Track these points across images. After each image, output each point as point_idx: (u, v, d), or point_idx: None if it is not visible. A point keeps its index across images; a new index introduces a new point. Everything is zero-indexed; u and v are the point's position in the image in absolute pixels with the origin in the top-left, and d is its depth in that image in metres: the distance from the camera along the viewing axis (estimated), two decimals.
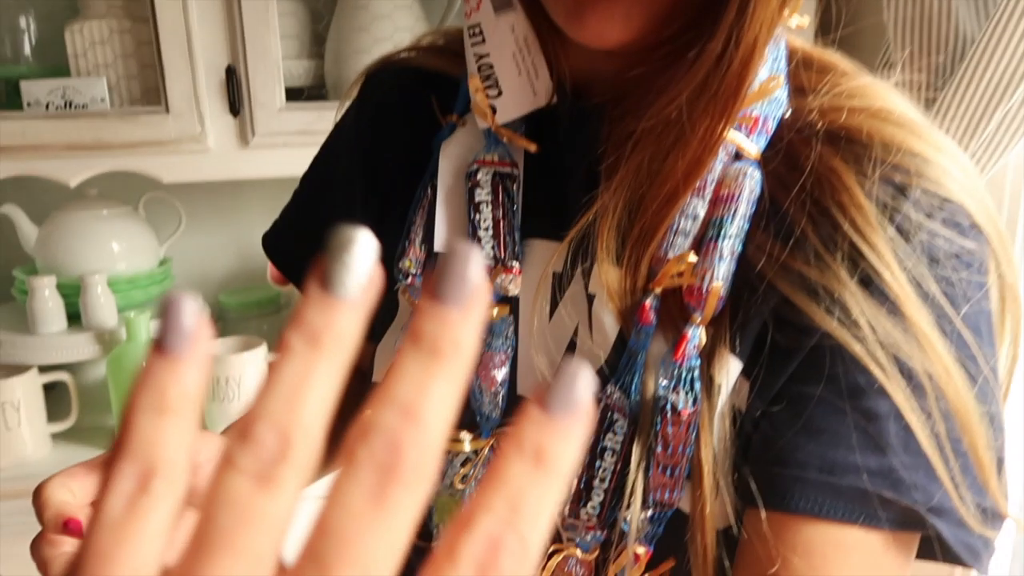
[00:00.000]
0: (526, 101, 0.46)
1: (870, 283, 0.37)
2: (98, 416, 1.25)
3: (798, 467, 0.37)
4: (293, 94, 1.20)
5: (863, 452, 0.36)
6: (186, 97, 1.14)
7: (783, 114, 0.42)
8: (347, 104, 0.59)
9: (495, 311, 0.47)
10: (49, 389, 1.17)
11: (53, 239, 1.25)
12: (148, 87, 1.21)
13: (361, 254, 0.16)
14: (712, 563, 0.39)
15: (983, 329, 0.38)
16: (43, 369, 1.16)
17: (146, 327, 1.16)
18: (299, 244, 0.63)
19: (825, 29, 0.50)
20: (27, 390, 1.13)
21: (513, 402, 0.48)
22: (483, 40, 0.46)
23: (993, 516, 0.37)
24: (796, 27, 0.44)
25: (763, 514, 0.38)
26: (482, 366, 0.47)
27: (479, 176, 0.46)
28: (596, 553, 0.43)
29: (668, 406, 0.40)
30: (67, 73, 1.18)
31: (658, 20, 0.38)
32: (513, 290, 0.46)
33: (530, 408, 0.16)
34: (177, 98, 1.14)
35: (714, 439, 0.39)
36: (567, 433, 0.15)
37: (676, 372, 0.40)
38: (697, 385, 0.40)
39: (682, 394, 0.40)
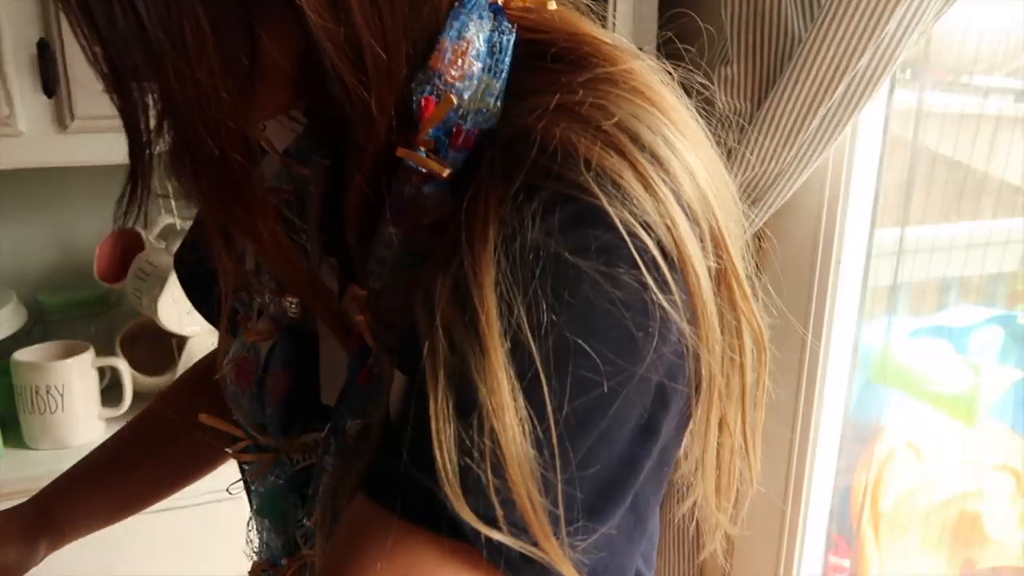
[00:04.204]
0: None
1: (462, 291, 0.34)
2: None
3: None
4: None
5: (412, 444, 0.34)
6: None
7: (489, 124, 0.38)
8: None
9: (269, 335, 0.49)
10: None
11: None
12: None
13: None
14: None
15: (597, 333, 0.34)
16: None
17: None
18: (201, 267, 0.60)
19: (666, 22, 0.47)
20: None
21: (304, 410, 0.49)
22: None
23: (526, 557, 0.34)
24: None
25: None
26: (271, 386, 0.49)
27: None
28: None
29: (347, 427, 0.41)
30: None
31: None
32: (293, 312, 0.48)
33: None
34: None
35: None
36: None
37: (361, 394, 0.42)
38: (369, 407, 0.41)
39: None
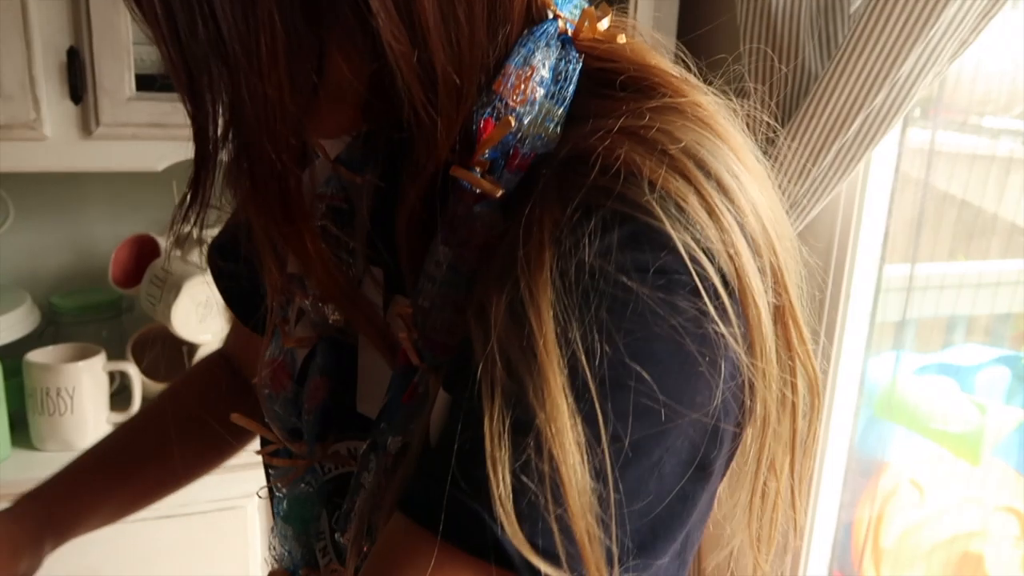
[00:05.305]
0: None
1: (518, 312, 0.33)
2: None
3: (421, 474, 0.36)
4: (145, 82, 1.12)
5: (460, 465, 0.33)
6: (19, 79, 1.04)
7: (548, 148, 0.38)
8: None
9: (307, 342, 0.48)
10: None
11: None
12: None
13: None
14: None
15: (654, 360, 0.32)
16: None
17: None
18: (240, 266, 0.58)
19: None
20: None
21: (339, 418, 0.48)
22: None
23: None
24: (600, 31, 0.40)
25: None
26: (308, 393, 0.48)
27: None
28: None
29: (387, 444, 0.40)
30: None
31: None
32: (334, 319, 0.46)
33: None
34: (9, 79, 1.04)
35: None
36: None
37: (403, 412, 0.41)
38: (411, 425, 0.40)
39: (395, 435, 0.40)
